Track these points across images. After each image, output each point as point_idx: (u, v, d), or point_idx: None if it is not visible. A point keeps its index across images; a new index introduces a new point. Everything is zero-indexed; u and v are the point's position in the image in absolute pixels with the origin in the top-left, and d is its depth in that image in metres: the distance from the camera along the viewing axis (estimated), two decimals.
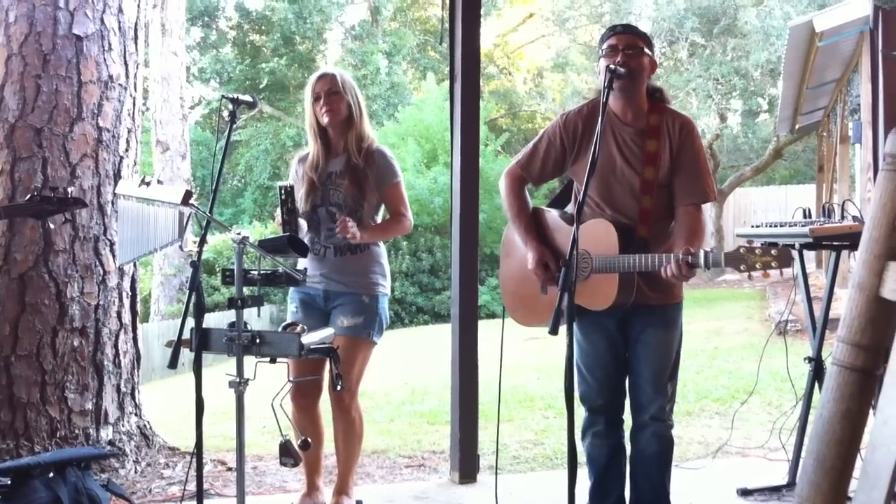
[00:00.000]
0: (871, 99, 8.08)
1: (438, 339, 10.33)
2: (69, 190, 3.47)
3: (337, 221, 3.77)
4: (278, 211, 3.76)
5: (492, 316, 15.80)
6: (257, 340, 3.16)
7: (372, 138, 4.00)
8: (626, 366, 3.52)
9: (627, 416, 3.58)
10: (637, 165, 3.39)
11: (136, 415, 4.95)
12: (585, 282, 3.30)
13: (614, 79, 3.19)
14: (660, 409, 3.45)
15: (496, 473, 3.95)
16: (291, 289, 4.05)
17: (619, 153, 3.42)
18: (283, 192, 3.69)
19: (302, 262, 3.90)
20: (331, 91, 3.90)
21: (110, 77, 4.79)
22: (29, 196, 3.38)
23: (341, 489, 3.97)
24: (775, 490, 4.20)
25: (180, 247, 3.32)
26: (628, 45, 3.33)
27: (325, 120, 3.91)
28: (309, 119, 3.98)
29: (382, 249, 4.06)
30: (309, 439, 3.38)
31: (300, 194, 3.96)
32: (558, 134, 3.49)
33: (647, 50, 3.36)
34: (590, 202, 3.46)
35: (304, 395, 3.97)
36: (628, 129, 3.42)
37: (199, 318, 3.18)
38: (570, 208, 3.64)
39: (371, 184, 3.94)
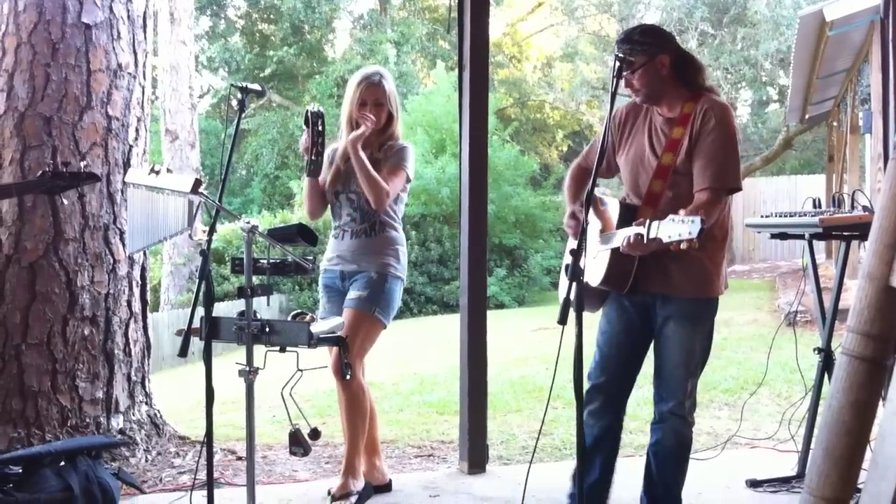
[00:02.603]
0: (881, 89, 8.01)
1: (447, 329, 10.34)
2: (82, 164, 3.47)
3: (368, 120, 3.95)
4: (305, 135, 3.85)
5: (500, 306, 15.83)
6: (267, 329, 3.18)
7: (398, 137, 4.13)
8: (641, 353, 3.52)
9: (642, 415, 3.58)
10: (659, 152, 3.37)
11: (146, 404, 4.96)
12: (595, 258, 3.34)
13: (623, 67, 3.19)
14: (678, 404, 3.44)
15: (530, 459, 3.94)
16: (320, 276, 4.19)
17: (649, 142, 3.42)
18: (312, 116, 3.80)
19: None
20: (377, 102, 4.02)
21: (119, 66, 4.79)
22: (41, 172, 3.39)
23: (347, 470, 4.01)
24: (784, 481, 4.20)
25: (190, 235, 3.33)
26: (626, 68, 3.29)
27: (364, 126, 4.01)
28: (347, 114, 4.06)
29: (400, 236, 4.13)
30: (318, 429, 3.40)
31: (328, 179, 4.07)
32: (609, 126, 3.46)
33: (642, 60, 3.27)
34: (625, 191, 3.52)
35: None
36: (661, 119, 3.41)
37: (208, 307, 3.19)
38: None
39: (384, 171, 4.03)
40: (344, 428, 4.06)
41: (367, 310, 3.95)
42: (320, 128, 3.83)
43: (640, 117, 3.50)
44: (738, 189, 3.34)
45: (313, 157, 3.86)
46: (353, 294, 3.98)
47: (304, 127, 3.85)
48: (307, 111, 3.85)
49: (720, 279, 3.42)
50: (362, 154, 3.92)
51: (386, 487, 4.25)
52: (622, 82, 3.25)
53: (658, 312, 3.42)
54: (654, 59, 3.29)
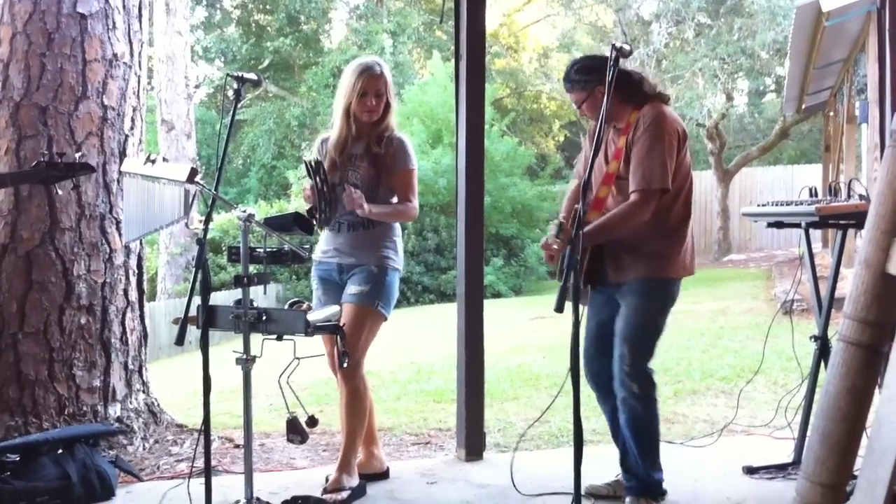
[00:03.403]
0: (877, 78, 8.02)
1: (444, 317, 10.36)
2: (77, 154, 3.47)
3: (345, 194, 3.88)
4: (307, 183, 3.87)
5: (497, 295, 15.83)
6: (264, 318, 3.19)
7: (393, 127, 4.11)
8: (610, 341, 3.77)
9: None
10: (609, 161, 3.71)
11: (143, 392, 4.97)
12: None
13: (619, 56, 3.23)
14: (621, 373, 3.66)
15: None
16: (312, 267, 4.18)
17: (604, 153, 3.74)
18: (314, 165, 3.79)
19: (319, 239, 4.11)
20: (378, 93, 4.01)
21: (115, 55, 4.78)
22: (35, 162, 3.39)
23: (342, 466, 3.98)
24: (781, 468, 4.21)
25: (186, 224, 3.33)
26: (573, 102, 3.77)
27: (363, 118, 4.02)
28: (344, 102, 4.03)
29: (396, 227, 4.14)
30: (316, 416, 3.40)
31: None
32: (588, 136, 3.81)
33: (583, 95, 3.66)
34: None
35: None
36: (613, 130, 3.74)
37: (205, 296, 3.19)
38: None
39: (388, 168, 4.04)
40: (342, 423, 4.03)
41: (370, 304, 3.94)
42: (324, 177, 3.80)
43: (607, 131, 3.81)
44: (666, 189, 3.58)
45: (324, 210, 3.86)
46: (353, 289, 3.96)
47: (308, 177, 3.84)
48: (306, 162, 3.84)
49: (675, 263, 3.71)
50: (375, 209, 3.93)
51: (384, 475, 4.25)
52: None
53: (619, 298, 3.72)
54: (592, 91, 3.64)
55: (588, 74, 3.66)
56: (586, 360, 3.84)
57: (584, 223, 3.46)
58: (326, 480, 4.01)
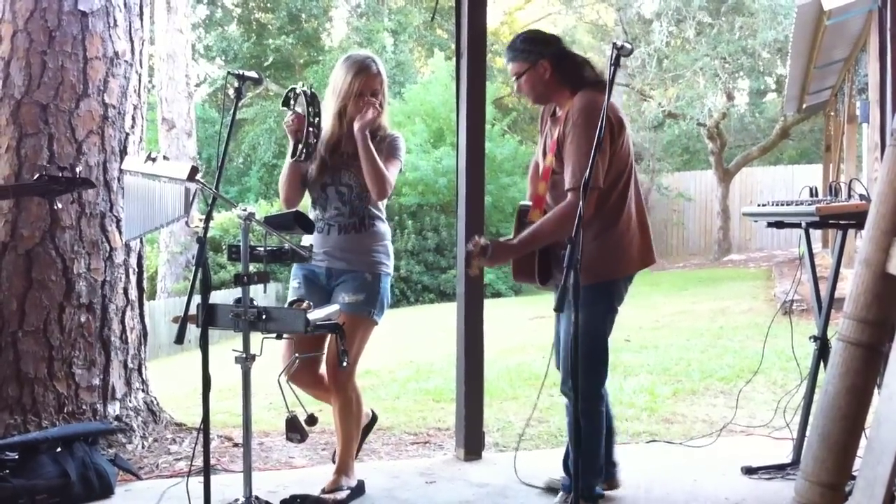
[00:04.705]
0: (878, 78, 8.02)
1: (444, 317, 10.36)
2: (77, 170, 3.48)
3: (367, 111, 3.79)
4: (293, 116, 3.74)
5: (497, 295, 15.84)
6: (263, 316, 3.18)
7: (386, 126, 3.99)
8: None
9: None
10: (546, 154, 3.59)
11: (143, 391, 4.97)
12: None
13: (620, 55, 3.21)
14: (564, 384, 3.61)
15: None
16: (294, 265, 4.06)
17: (543, 144, 3.66)
18: (307, 97, 3.66)
19: (307, 239, 3.88)
20: (374, 93, 3.88)
21: (116, 53, 4.78)
22: (37, 175, 3.39)
23: (340, 469, 3.97)
24: (780, 468, 4.21)
25: (186, 223, 3.33)
26: (512, 73, 3.61)
27: (357, 118, 3.86)
28: (339, 105, 3.88)
29: (387, 230, 4.04)
30: (315, 415, 3.40)
31: (311, 172, 3.95)
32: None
33: (525, 67, 3.53)
34: None
35: (301, 377, 3.95)
36: (551, 120, 3.63)
37: (205, 294, 3.19)
38: None
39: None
40: (337, 429, 4.01)
41: (365, 314, 3.87)
42: (317, 109, 3.68)
43: (547, 119, 3.71)
44: (599, 187, 3.38)
45: (310, 141, 3.72)
46: (348, 297, 3.85)
47: (294, 107, 3.70)
48: (296, 90, 3.67)
49: (615, 262, 3.56)
50: (371, 144, 3.77)
51: (371, 422, 4.32)
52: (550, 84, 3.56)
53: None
54: (535, 64, 3.53)
55: (534, 45, 3.55)
56: (557, 361, 3.81)
57: (526, 224, 3.52)
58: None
